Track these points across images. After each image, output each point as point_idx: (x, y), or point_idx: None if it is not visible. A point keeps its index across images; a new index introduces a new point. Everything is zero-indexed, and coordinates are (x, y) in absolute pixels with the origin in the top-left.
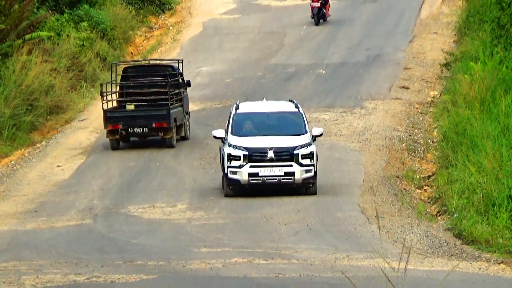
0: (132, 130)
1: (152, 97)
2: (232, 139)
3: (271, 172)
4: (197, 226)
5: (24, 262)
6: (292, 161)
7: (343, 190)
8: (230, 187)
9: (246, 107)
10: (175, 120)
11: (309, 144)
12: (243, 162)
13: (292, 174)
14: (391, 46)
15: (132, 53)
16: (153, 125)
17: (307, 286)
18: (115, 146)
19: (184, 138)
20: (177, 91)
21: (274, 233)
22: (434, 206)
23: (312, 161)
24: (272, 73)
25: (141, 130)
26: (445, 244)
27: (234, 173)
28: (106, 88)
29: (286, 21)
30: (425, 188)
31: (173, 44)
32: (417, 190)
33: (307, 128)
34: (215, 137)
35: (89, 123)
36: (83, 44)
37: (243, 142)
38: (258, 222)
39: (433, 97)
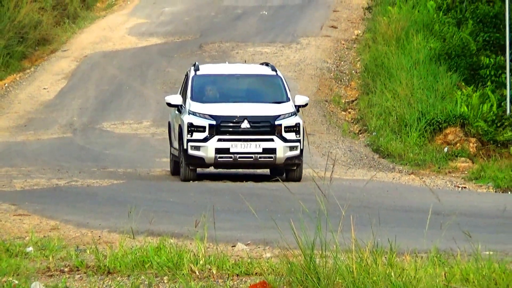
0: None
1: None
2: (194, 105)
3: (246, 148)
4: (159, 140)
5: (15, 168)
6: (274, 134)
7: None
8: (191, 167)
9: (208, 68)
10: None
11: (294, 114)
12: (209, 134)
13: (273, 151)
14: None
15: None
16: None
17: (251, 191)
18: None
19: None
20: None
21: None
22: (356, 125)
23: (298, 135)
24: (223, 13)
25: None
26: (365, 157)
27: (197, 148)
28: None
29: None
30: (349, 110)
31: None
32: (342, 112)
33: (289, 96)
34: (169, 104)
35: (70, 53)
36: None
37: (208, 110)
38: None
39: (357, 35)
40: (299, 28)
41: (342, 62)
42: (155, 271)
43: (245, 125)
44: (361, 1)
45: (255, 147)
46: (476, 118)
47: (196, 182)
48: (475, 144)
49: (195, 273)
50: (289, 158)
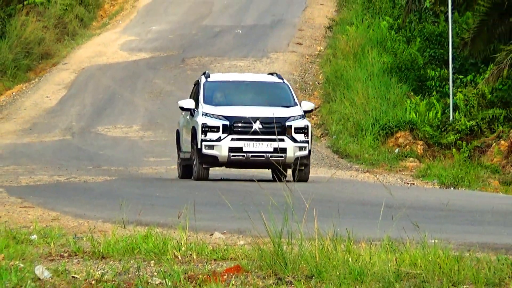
0: None
1: None
2: (207, 107)
3: (258, 147)
4: (147, 142)
5: (21, 166)
6: (284, 134)
7: None
8: (204, 166)
9: (218, 76)
10: None
11: (302, 117)
12: (223, 134)
13: (284, 150)
14: (290, 13)
15: (101, 16)
16: None
17: (227, 187)
18: None
19: None
20: None
21: None
22: (319, 130)
23: (307, 137)
24: (203, 31)
25: None
26: (326, 158)
27: (211, 147)
28: None
29: None
30: (312, 116)
31: (132, 9)
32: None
33: (297, 101)
34: (182, 108)
35: (69, 66)
36: (66, 8)
37: (222, 111)
38: None
39: (319, 51)
40: (269, 44)
41: (306, 74)
42: (143, 256)
43: (257, 125)
44: (323, 21)
45: (266, 147)
46: (423, 123)
47: (179, 179)
48: (422, 146)
49: (178, 258)
50: (298, 158)
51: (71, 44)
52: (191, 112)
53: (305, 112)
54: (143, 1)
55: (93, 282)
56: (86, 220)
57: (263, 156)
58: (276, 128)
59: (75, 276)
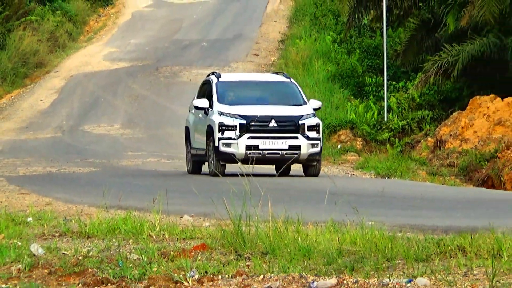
0: None
1: None
2: (222, 107)
3: (273, 144)
4: (126, 139)
5: (19, 159)
6: (298, 132)
7: None
8: (221, 163)
9: (229, 76)
10: None
11: (313, 115)
12: (240, 132)
13: (298, 148)
14: (248, 29)
15: (87, 31)
16: None
17: (195, 178)
18: None
19: None
20: None
21: (174, 144)
22: None
23: (319, 134)
24: (174, 45)
25: None
26: None
27: (228, 145)
28: None
29: (184, 12)
30: None
31: (113, 26)
32: None
33: (306, 99)
34: (197, 107)
35: (60, 74)
36: (57, 24)
37: (237, 110)
38: (165, 137)
39: (273, 61)
40: (230, 55)
41: None
42: (123, 235)
43: (272, 124)
44: (276, 35)
45: (281, 144)
46: (361, 123)
47: (154, 170)
48: (361, 142)
49: (153, 237)
50: (311, 155)
51: (62, 55)
52: (205, 111)
53: (314, 109)
54: (123, 18)
55: (80, 257)
56: (75, 204)
57: (278, 153)
58: (291, 126)
59: (65, 252)
